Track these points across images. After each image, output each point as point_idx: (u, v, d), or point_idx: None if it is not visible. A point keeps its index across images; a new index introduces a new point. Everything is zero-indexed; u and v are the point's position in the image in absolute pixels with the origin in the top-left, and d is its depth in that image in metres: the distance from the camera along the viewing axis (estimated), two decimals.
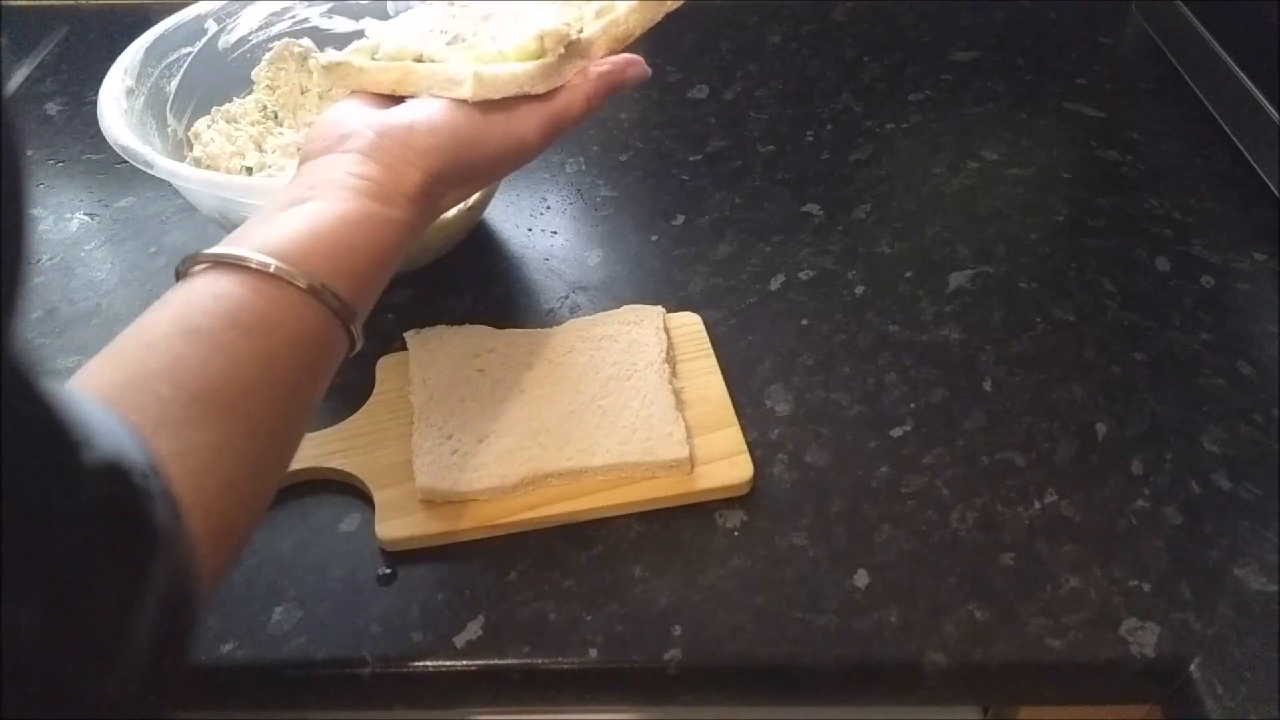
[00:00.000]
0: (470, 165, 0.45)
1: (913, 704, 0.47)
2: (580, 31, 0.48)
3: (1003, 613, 0.47)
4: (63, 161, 0.75)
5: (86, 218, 0.71)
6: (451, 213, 0.60)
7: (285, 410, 0.37)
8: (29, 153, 0.76)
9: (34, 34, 0.88)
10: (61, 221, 0.70)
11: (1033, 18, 0.88)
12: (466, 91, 0.45)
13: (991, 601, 0.47)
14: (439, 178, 0.44)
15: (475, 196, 0.62)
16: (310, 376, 0.39)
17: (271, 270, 0.37)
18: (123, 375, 0.34)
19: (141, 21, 0.75)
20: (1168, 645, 0.45)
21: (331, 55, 0.48)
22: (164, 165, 0.54)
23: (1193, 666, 0.45)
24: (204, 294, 0.37)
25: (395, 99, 0.48)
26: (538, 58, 0.46)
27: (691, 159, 0.73)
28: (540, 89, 0.46)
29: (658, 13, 0.51)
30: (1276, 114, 0.66)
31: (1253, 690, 0.44)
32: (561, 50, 0.47)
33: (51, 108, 0.80)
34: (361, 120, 0.44)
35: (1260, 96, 0.68)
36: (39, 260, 0.67)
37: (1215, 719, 0.43)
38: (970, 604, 0.47)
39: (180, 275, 0.38)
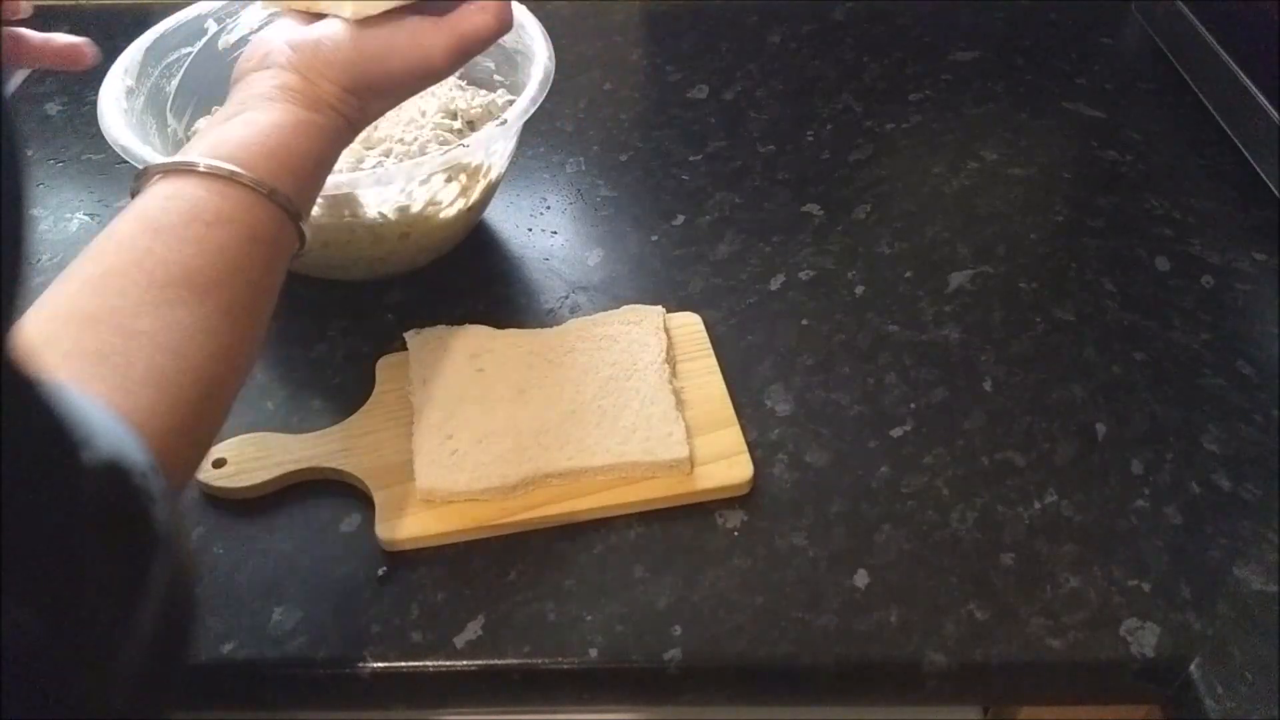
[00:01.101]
0: (380, 80, 0.47)
1: (913, 704, 0.47)
2: None
3: (1003, 613, 0.47)
4: (63, 161, 0.75)
5: (86, 218, 0.71)
6: (451, 212, 0.60)
7: (250, 295, 0.40)
8: (29, 153, 0.76)
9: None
10: (61, 221, 0.70)
11: (1033, 18, 0.88)
12: (348, 11, 0.47)
13: (991, 601, 0.47)
14: (351, 89, 0.46)
15: (475, 196, 0.62)
16: (267, 267, 0.42)
17: (223, 171, 0.40)
18: (101, 269, 0.37)
19: (142, 21, 0.74)
20: (1168, 645, 0.45)
21: None
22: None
23: (1193, 666, 0.45)
24: (163, 197, 0.40)
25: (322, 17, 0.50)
26: None
27: (691, 159, 0.73)
28: None
29: None
30: (1276, 114, 0.66)
31: (1253, 690, 0.44)
32: None
33: (51, 108, 0.80)
34: (281, 37, 0.47)
35: (1260, 96, 0.68)
36: (39, 260, 0.67)
37: (1215, 719, 0.43)
38: (970, 604, 0.47)
39: (136, 192, 0.41)
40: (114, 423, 0.28)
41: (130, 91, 0.61)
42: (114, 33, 0.83)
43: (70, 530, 0.24)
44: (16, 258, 0.21)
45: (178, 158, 0.41)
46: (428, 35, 0.47)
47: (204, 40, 0.67)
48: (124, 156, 0.55)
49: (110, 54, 0.63)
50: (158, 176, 0.41)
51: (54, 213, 0.71)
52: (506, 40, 0.67)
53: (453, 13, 0.48)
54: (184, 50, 0.66)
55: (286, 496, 0.52)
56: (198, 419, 0.37)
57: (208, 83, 0.67)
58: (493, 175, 0.63)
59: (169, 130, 0.64)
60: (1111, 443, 0.54)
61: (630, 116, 0.78)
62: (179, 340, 0.36)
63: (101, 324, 0.35)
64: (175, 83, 0.65)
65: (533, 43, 0.62)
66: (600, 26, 0.88)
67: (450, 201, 0.60)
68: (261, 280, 0.41)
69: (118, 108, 0.58)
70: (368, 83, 0.47)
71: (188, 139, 0.65)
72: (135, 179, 0.42)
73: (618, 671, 0.46)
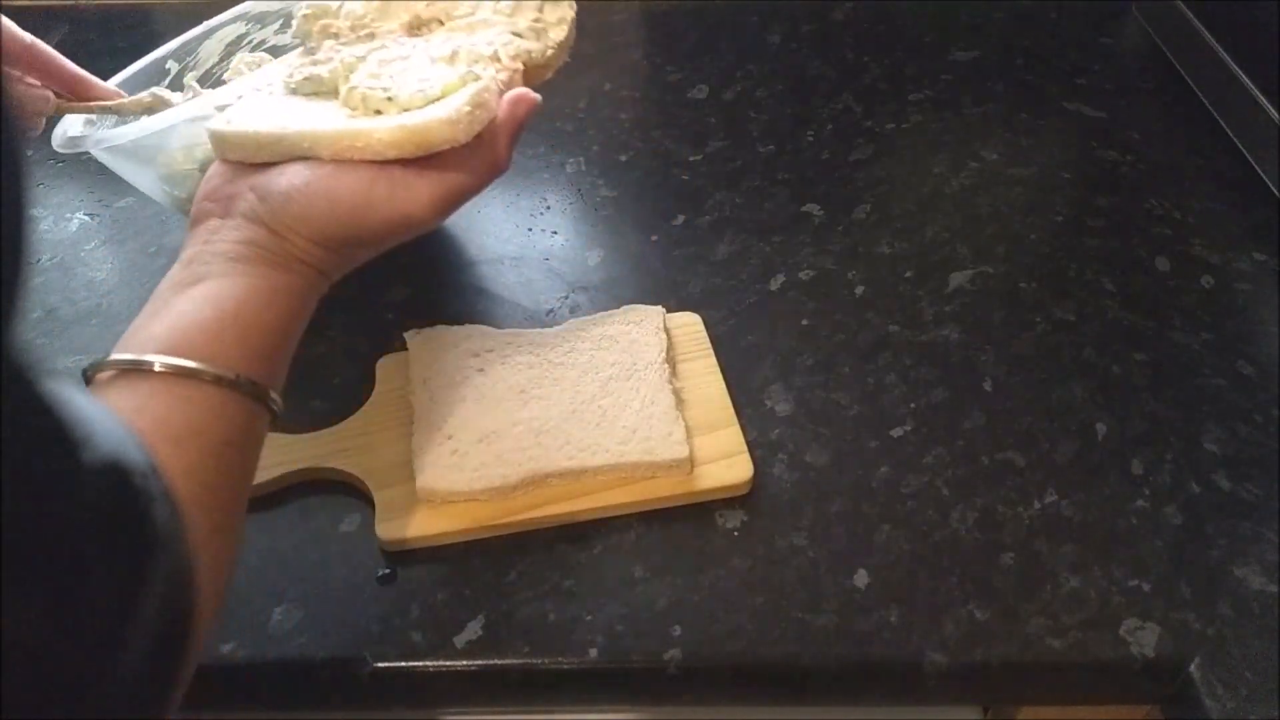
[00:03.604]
0: (356, 234, 0.42)
1: (913, 704, 0.47)
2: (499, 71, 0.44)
3: (1003, 613, 0.47)
4: (63, 161, 0.75)
5: (86, 218, 0.71)
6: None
7: (224, 507, 0.36)
8: (29, 153, 0.76)
9: (34, 34, 0.88)
10: (61, 221, 0.70)
11: (1033, 18, 0.88)
12: (326, 154, 0.41)
13: (991, 601, 0.47)
14: (324, 245, 0.41)
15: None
16: (244, 467, 0.38)
17: (184, 370, 0.36)
18: None
19: (142, 21, 0.75)
20: (1168, 645, 0.45)
21: (221, 125, 0.43)
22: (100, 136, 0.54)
23: (1193, 666, 0.45)
24: (122, 410, 0.34)
25: None
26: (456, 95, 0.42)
27: (691, 159, 0.73)
28: (462, 140, 0.41)
29: (557, 58, 0.48)
30: (1276, 114, 0.66)
31: (1253, 690, 0.44)
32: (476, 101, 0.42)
33: None
34: (245, 181, 0.42)
35: (1260, 96, 0.68)
36: (39, 260, 0.67)
37: (1215, 719, 0.43)
38: (970, 604, 0.47)
39: (89, 380, 0.36)
40: (114, 423, 0.28)
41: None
42: (114, 33, 0.83)
43: (70, 530, 0.24)
44: (16, 258, 0.21)
45: (135, 354, 0.36)
46: (410, 185, 0.41)
47: (168, 81, 0.65)
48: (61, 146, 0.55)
49: (111, 54, 0.63)
50: (112, 373, 0.36)
51: (54, 213, 0.71)
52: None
53: (438, 158, 0.41)
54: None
55: (286, 496, 0.52)
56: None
57: None
58: None
59: None
60: (1111, 443, 0.54)
61: (630, 116, 0.78)
62: None
63: None
64: None
65: None
66: (600, 26, 0.88)
67: None
68: (233, 479, 0.37)
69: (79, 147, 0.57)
70: (343, 237, 0.41)
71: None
72: (88, 368, 0.36)
73: (618, 671, 0.46)
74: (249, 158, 0.42)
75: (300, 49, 0.47)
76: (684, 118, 0.77)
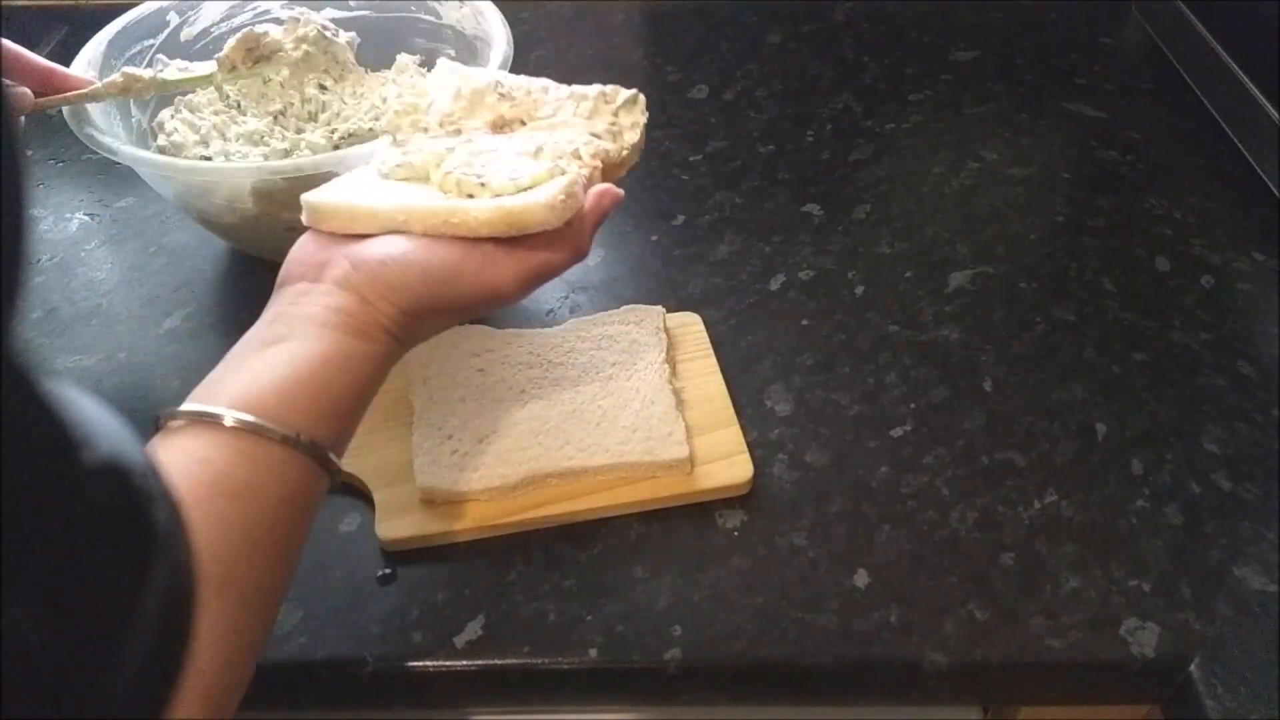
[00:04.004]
0: (443, 305, 0.44)
1: (913, 704, 0.47)
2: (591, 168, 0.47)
3: (1003, 613, 0.47)
4: (63, 161, 0.75)
5: (86, 218, 0.71)
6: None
7: (274, 570, 0.37)
8: (29, 153, 0.76)
9: (34, 34, 0.88)
10: (61, 221, 0.70)
11: (1033, 18, 0.88)
12: (418, 229, 0.43)
13: (991, 601, 0.47)
14: (411, 313, 0.43)
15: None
16: (296, 529, 0.39)
17: (253, 426, 0.37)
18: None
19: None
20: (1168, 645, 0.45)
21: (319, 197, 0.45)
22: (128, 153, 0.55)
23: (1193, 666, 0.45)
24: (187, 459, 0.36)
25: None
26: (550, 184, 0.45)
27: (691, 159, 0.73)
28: (554, 224, 0.44)
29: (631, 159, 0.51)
30: (1276, 114, 0.66)
31: (1253, 690, 0.44)
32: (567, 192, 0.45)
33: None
34: (338, 249, 0.44)
35: (1260, 96, 0.68)
36: (39, 260, 0.67)
37: (1215, 719, 0.43)
38: (970, 604, 0.47)
39: (159, 427, 0.37)
40: (114, 423, 0.28)
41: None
42: None
43: (70, 530, 0.24)
44: (17, 258, 0.21)
45: (207, 406, 0.37)
46: (499, 263, 0.43)
47: (166, 33, 0.67)
48: (89, 145, 0.56)
49: None
50: (183, 422, 0.37)
51: (54, 213, 0.71)
52: (466, 28, 0.68)
53: (528, 239, 0.44)
54: (147, 42, 0.67)
55: None
56: (220, 713, 0.34)
57: None
58: None
59: (133, 121, 0.65)
60: (1111, 443, 0.54)
61: None
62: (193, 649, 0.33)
63: None
64: None
65: (491, 28, 0.64)
66: (600, 26, 0.88)
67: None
68: (287, 543, 0.38)
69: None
70: (430, 306, 0.43)
71: (152, 130, 0.65)
72: (160, 415, 0.38)
73: (618, 671, 0.46)
74: (343, 228, 0.44)
75: (390, 140, 0.50)
76: (684, 118, 0.77)
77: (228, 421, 0.36)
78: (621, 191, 0.48)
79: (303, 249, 0.44)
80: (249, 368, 0.39)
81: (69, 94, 0.57)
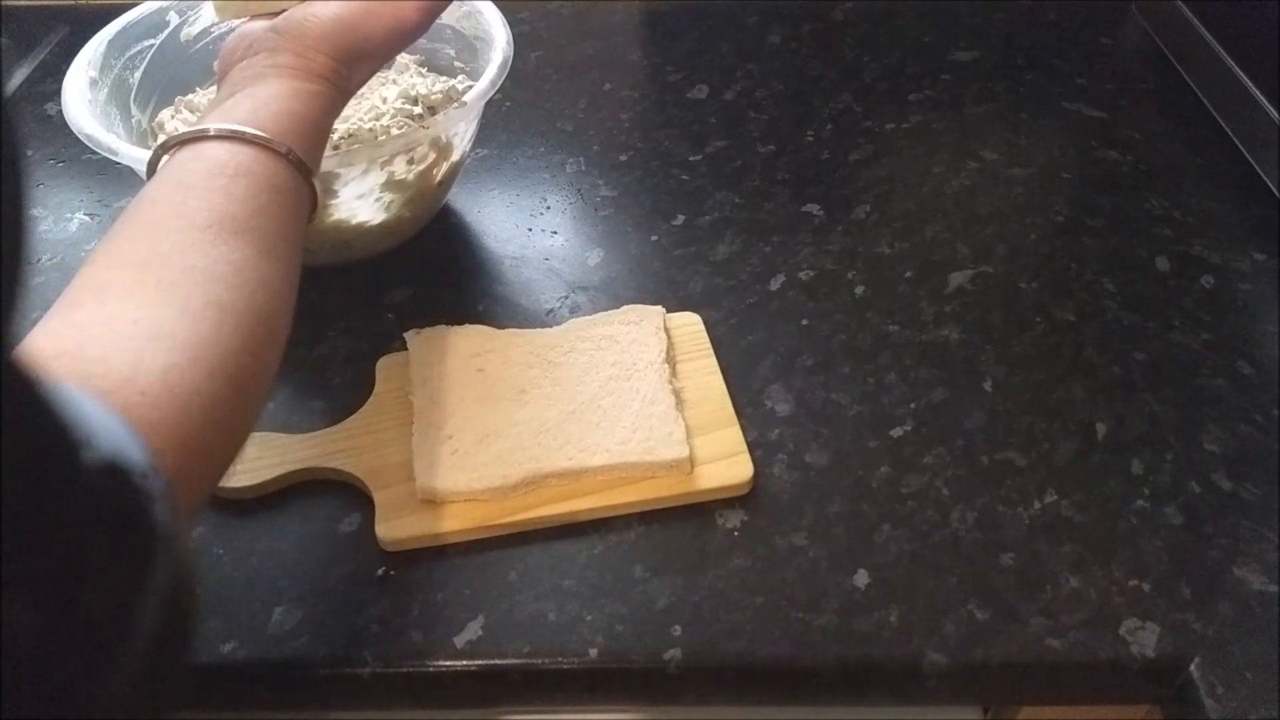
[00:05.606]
0: (363, 45, 0.49)
1: (913, 704, 0.47)
2: None
3: (1003, 613, 0.47)
4: (63, 161, 0.75)
5: (86, 218, 0.71)
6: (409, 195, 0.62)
7: (278, 238, 0.42)
8: (29, 153, 0.76)
9: (34, 34, 0.88)
10: (61, 221, 0.70)
11: (1033, 18, 0.88)
12: None
13: (991, 601, 0.47)
14: (339, 58, 0.48)
15: (440, 175, 0.63)
16: (289, 214, 0.44)
17: (235, 133, 0.42)
18: (141, 224, 0.40)
19: None
20: (1168, 645, 0.45)
21: None
22: (129, 153, 0.55)
23: (1193, 666, 0.45)
24: (185, 159, 0.42)
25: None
26: None
27: (691, 159, 0.73)
28: None
29: None
30: (1276, 114, 0.66)
31: (1253, 690, 0.44)
32: None
33: (51, 108, 0.80)
34: (259, 28, 0.49)
35: (1260, 96, 0.68)
36: (39, 260, 0.67)
37: (1215, 719, 0.43)
38: (970, 604, 0.47)
39: (154, 165, 0.44)
40: (114, 423, 0.28)
41: (94, 83, 0.62)
42: None
43: (70, 530, 0.24)
44: (16, 258, 0.21)
45: (190, 129, 0.43)
46: None
47: (166, 32, 0.68)
48: (90, 145, 0.56)
49: None
50: (175, 147, 0.43)
51: (54, 213, 0.71)
52: (465, 28, 0.68)
53: None
54: (147, 42, 0.67)
55: (286, 496, 0.52)
56: (259, 345, 0.39)
57: (170, 74, 0.68)
58: (455, 156, 0.64)
59: (133, 121, 0.65)
60: (1111, 443, 0.54)
61: (630, 116, 0.78)
62: (228, 273, 0.39)
63: (154, 265, 0.38)
64: (139, 74, 0.66)
65: (491, 28, 0.64)
66: (600, 26, 0.88)
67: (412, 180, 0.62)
68: (286, 226, 0.43)
69: (81, 98, 0.59)
70: (354, 49, 0.49)
71: (152, 130, 0.66)
72: (153, 154, 0.45)
73: (618, 671, 0.46)
74: (244, 10, 0.52)
75: None
76: (684, 118, 0.77)
77: (212, 132, 0.42)
78: None
79: (230, 43, 0.50)
80: (216, 110, 0.45)
81: None
